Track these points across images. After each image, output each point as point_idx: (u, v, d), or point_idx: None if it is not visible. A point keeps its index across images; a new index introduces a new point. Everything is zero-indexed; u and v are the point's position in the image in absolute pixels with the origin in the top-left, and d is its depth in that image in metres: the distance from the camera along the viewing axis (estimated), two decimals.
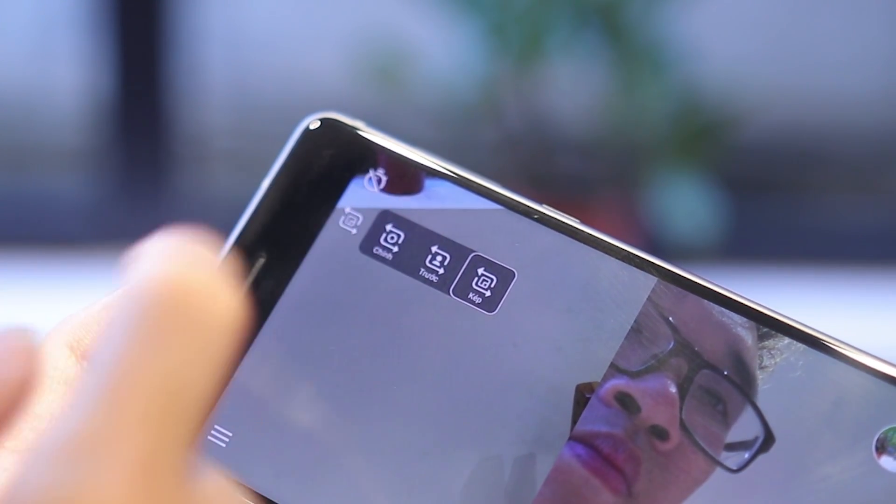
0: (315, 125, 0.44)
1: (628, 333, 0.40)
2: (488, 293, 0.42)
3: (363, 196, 0.43)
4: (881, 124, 1.51)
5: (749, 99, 1.37)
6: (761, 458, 0.39)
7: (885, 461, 0.38)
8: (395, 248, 0.43)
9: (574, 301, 0.41)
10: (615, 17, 1.32)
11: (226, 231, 0.45)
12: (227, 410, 0.42)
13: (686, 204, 1.32)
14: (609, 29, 1.32)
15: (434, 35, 1.37)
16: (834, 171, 1.52)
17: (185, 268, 0.30)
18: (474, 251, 0.43)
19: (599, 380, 0.40)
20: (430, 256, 0.43)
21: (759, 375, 0.39)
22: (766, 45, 1.50)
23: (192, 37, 1.45)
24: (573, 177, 1.41)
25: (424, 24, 1.36)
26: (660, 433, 0.39)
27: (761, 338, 0.40)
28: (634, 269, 0.41)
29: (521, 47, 1.32)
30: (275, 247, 0.43)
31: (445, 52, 1.36)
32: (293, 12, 1.51)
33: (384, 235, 0.43)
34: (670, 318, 0.40)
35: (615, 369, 0.40)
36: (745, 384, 0.39)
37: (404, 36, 1.35)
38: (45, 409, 0.40)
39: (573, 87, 1.36)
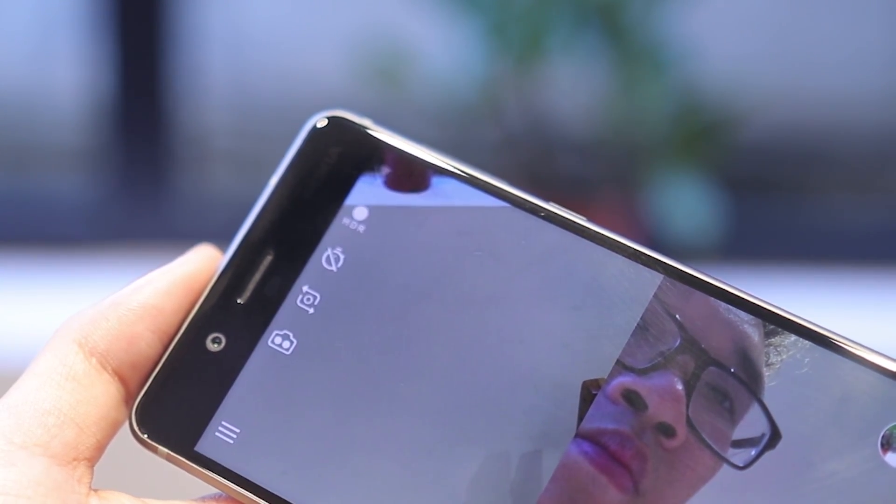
0: (323, 123, 0.44)
1: (635, 330, 0.41)
2: None
3: (371, 194, 0.44)
4: (881, 124, 1.51)
5: (749, 99, 1.37)
6: (768, 454, 0.39)
7: (891, 458, 0.38)
8: None
9: (580, 298, 0.41)
10: (615, 17, 1.32)
11: (226, 231, 0.45)
12: (234, 407, 0.42)
13: (686, 204, 1.32)
14: (609, 29, 1.32)
15: (434, 35, 1.37)
16: (834, 171, 1.52)
17: None
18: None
19: (606, 377, 0.40)
20: None
21: (766, 373, 0.39)
22: (766, 45, 1.50)
23: (192, 37, 1.45)
24: (573, 177, 1.41)
25: (424, 24, 1.36)
26: (666, 430, 0.39)
27: (768, 335, 0.40)
28: (640, 266, 0.41)
29: (521, 47, 1.32)
30: (282, 244, 0.43)
31: (445, 52, 1.36)
32: (293, 12, 1.51)
33: None
34: (677, 316, 0.40)
35: (622, 366, 0.40)
36: (751, 381, 0.39)
37: (404, 36, 1.35)
38: (54, 406, 0.40)
39: (573, 87, 1.36)
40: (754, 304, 0.40)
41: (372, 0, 1.46)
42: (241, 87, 1.51)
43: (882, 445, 0.38)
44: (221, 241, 0.46)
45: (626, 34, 1.32)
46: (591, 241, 0.42)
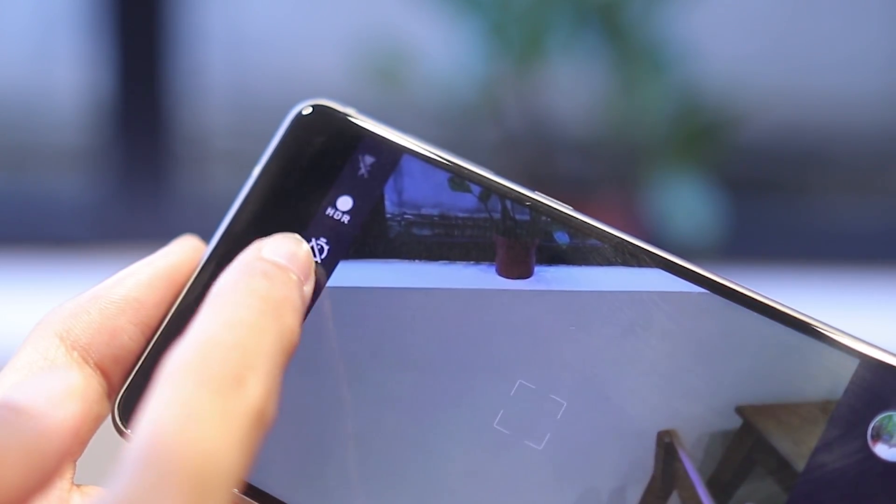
0: (307, 111, 0.44)
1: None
2: None
3: (355, 183, 0.43)
4: (881, 124, 1.50)
5: (749, 99, 1.37)
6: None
7: (880, 449, 0.37)
8: None
9: None
10: (615, 17, 1.32)
11: None
12: None
13: (686, 204, 1.32)
14: (609, 29, 1.32)
15: (434, 35, 1.37)
16: (834, 171, 1.52)
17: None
18: None
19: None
20: None
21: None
22: (766, 45, 1.50)
23: (192, 37, 1.45)
24: (573, 177, 1.41)
25: (424, 24, 1.36)
26: None
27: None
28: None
29: (521, 47, 1.32)
30: (266, 234, 0.43)
31: (445, 52, 1.35)
32: (293, 12, 1.51)
33: None
34: None
35: None
36: None
37: (404, 36, 1.35)
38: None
39: (573, 87, 1.35)
40: (737, 291, 0.40)
41: (372, 0, 1.46)
42: (241, 87, 1.51)
43: (871, 436, 0.37)
44: None
45: (626, 34, 1.32)
46: (582, 232, 0.42)
